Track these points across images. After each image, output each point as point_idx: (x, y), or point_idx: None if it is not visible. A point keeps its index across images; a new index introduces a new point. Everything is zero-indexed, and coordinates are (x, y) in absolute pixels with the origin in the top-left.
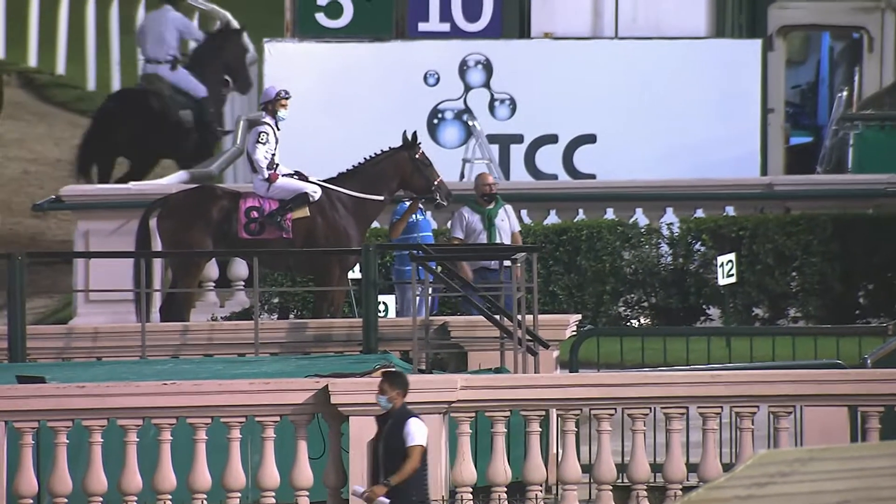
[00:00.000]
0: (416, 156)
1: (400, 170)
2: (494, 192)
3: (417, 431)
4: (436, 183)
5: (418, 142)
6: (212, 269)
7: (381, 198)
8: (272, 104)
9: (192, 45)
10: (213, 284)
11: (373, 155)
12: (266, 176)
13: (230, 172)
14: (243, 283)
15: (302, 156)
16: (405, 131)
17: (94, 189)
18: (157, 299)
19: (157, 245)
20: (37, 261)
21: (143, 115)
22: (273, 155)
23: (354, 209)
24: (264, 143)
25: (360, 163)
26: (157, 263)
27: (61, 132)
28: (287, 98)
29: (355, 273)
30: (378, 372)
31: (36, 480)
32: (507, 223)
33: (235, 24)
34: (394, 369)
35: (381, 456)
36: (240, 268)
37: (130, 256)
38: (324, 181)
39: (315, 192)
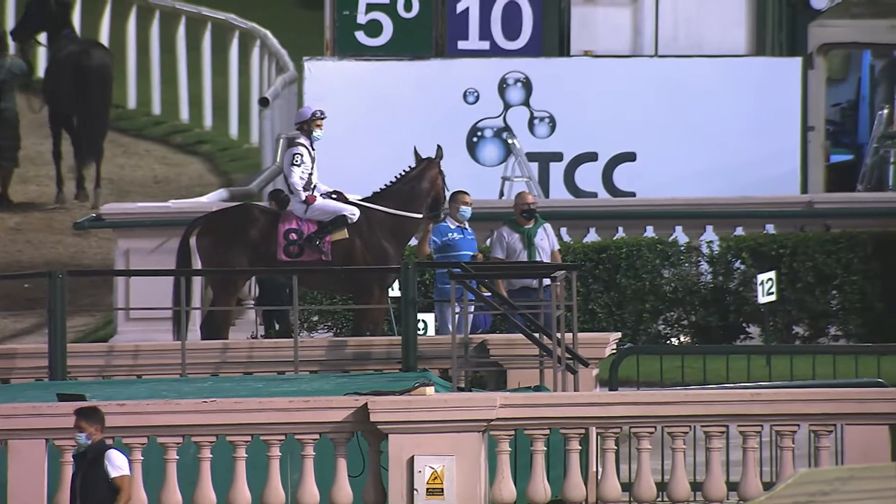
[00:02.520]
0: (440, 170)
1: (434, 186)
2: (534, 210)
3: (120, 462)
4: (451, 193)
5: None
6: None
7: (419, 215)
8: (307, 124)
9: None
10: (253, 303)
11: (404, 172)
12: (303, 198)
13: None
14: (253, 303)
15: (341, 174)
16: (438, 146)
17: (135, 207)
18: (196, 317)
19: (197, 263)
20: (77, 279)
21: None
22: (310, 175)
23: (392, 228)
24: (299, 165)
25: (392, 181)
26: (197, 282)
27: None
28: (322, 118)
29: (395, 291)
30: (416, 389)
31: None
32: (547, 242)
33: None
34: (88, 404)
35: (80, 493)
36: (252, 287)
37: (170, 274)
38: (361, 200)
39: (354, 215)
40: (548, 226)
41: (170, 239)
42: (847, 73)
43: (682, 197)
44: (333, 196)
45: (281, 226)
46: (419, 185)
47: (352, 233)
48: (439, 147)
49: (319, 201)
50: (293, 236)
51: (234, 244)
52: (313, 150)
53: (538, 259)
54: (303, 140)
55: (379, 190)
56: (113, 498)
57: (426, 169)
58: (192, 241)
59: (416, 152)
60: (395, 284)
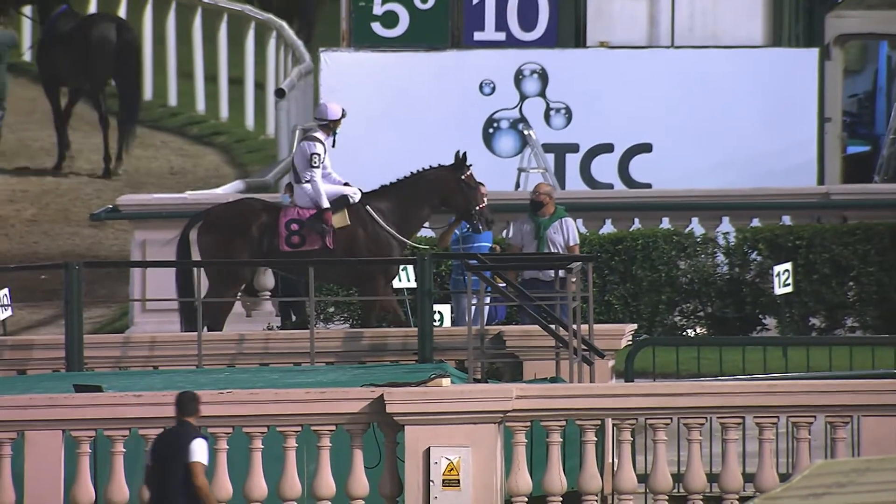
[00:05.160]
0: (463, 176)
1: (442, 187)
2: (541, 201)
3: (199, 449)
4: (477, 207)
5: (468, 164)
6: (268, 280)
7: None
8: (334, 124)
9: None
10: (270, 294)
11: (421, 169)
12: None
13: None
14: (269, 294)
15: (357, 164)
16: (458, 151)
17: (151, 199)
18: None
19: (196, 257)
20: (94, 270)
21: None
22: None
23: (395, 220)
24: (317, 167)
25: (405, 176)
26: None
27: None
28: (345, 116)
29: (410, 282)
30: (432, 380)
31: (93, 489)
32: (561, 235)
33: None
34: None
35: (159, 476)
36: (268, 279)
37: (188, 266)
38: (367, 193)
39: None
40: (568, 220)
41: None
42: (864, 64)
43: (699, 188)
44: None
45: (282, 217)
46: (427, 184)
47: (354, 222)
48: (465, 154)
49: (323, 185)
50: (294, 226)
51: (235, 239)
52: (332, 146)
53: (547, 252)
54: (320, 136)
55: (389, 184)
56: (190, 483)
57: (441, 170)
58: (192, 235)
59: (456, 155)
60: (412, 275)
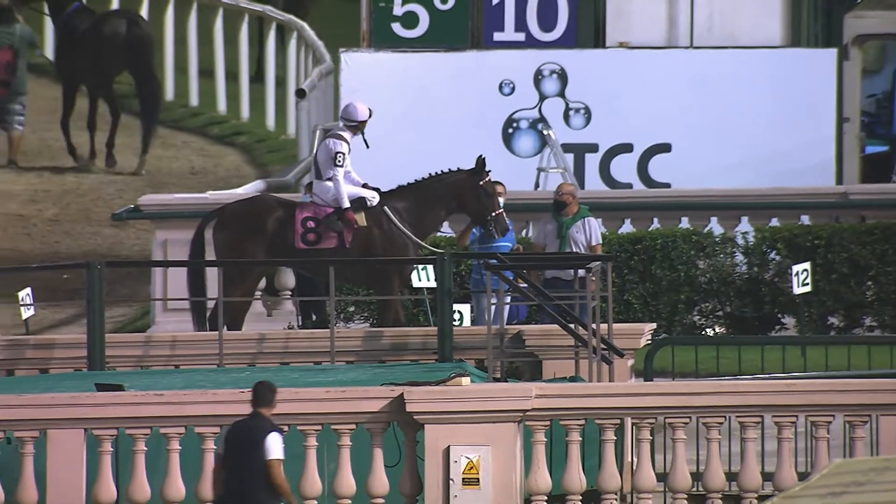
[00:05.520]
0: (481, 182)
1: (458, 191)
2: (564, 200)
3: (276, 446)
4: (492, 214)
5: (487, 170)
6: (288, 279)
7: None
8: (362, 125)
9: None
10: (290, 294)
11: (439, 172)
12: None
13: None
14: (290, 293)
15: (377, 164)
16: (479, 156)
17: (172, 198)
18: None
19: (211, 255)
20: (115, 270)
21: None
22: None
23: (411, 220)
24: (341, 166)
25: (424, 177)
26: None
27: (140, 142)
28: (371, 116)
29: (431, 282)
30: (452, 380)
31: (115, 487)
32: (583, 235)
33: None
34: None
35: (234, 470)
36: (289, 278)
37: (207, 265)
38: (385, 193)
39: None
40: (591, 220)
41: (212, 230)
42: (882, 65)
43: (717, 188)
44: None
45: (298, 213)
46: (444, 187)
47: (370, 222)
48: (483, 159)
49: (343, 185)
50: (311, 224)
51: (251, 236)
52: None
53: (569, 251)
54: (346, 136)
55: (406, 184)
56: (266, 477)
57: (459, 174)
58: (208, 233)
59: (477, 160)
60: (431, 275)
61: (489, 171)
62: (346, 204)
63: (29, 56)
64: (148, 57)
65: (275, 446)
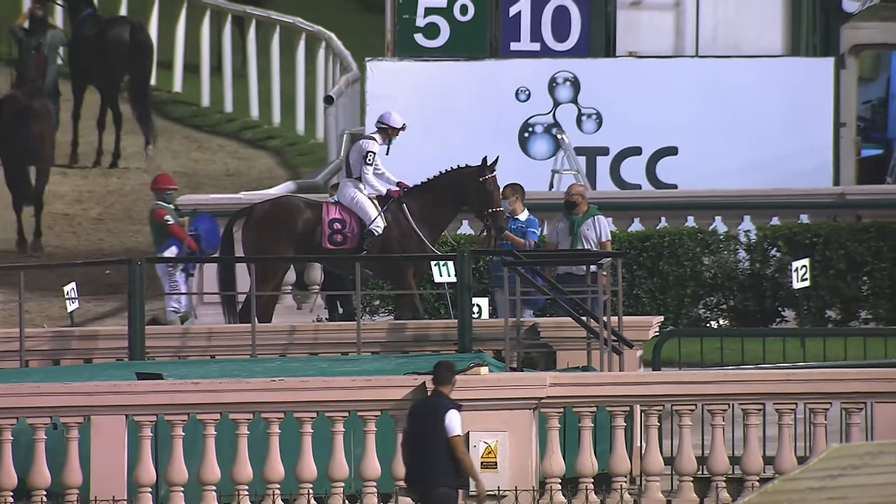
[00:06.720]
0: (483, 178)
1: (462, 186)
2: (574, 200)
3: (455, 423)
4: (489, 210)
5: (494, 168)
6: (317, 274)
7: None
8: (392, 132)
9: None
10: (318, 287)
11: (449, 169)
12: (386, 191)
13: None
14: (318, 288)
15: (401, 167)
16: (486, 157)
17: (208, 198)
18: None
19: (239, 252)
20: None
21: None
22: (380, 173)
23: (424, 218)
24: (371, 164)
25: (435, 176)
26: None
27: (178, 145)
28: (404, 129)
29: (451, 277)
30: (471, 369)
31: (154, 470)
32: (594, 232)
33: None
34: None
35: (416, 441)
36: (317, 274)
37: (240, 262)
38: (402, 194)
39: (377, 227)
40: (600, 218)
41: (241, 228)
42: (877, 73)
43: (721, 189)
44: (397, 188)
45: (325, 215)
46: (450, 183)
47: (391, 223)
48: (485, 158)
49: (364, 198)
50: (337, 226)
51: (279, 237)
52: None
53: (581, 248)
54: (378, 139)
55: (420, 183)
56: (448, 451)
57: (464, 170)
58: (237, 232)
59: (484, 159)
60: (451, 271)
61: (494, 169)
62: (383, 191)
63: (55, 60)
64: (147, 62)
65: (454, 423)
